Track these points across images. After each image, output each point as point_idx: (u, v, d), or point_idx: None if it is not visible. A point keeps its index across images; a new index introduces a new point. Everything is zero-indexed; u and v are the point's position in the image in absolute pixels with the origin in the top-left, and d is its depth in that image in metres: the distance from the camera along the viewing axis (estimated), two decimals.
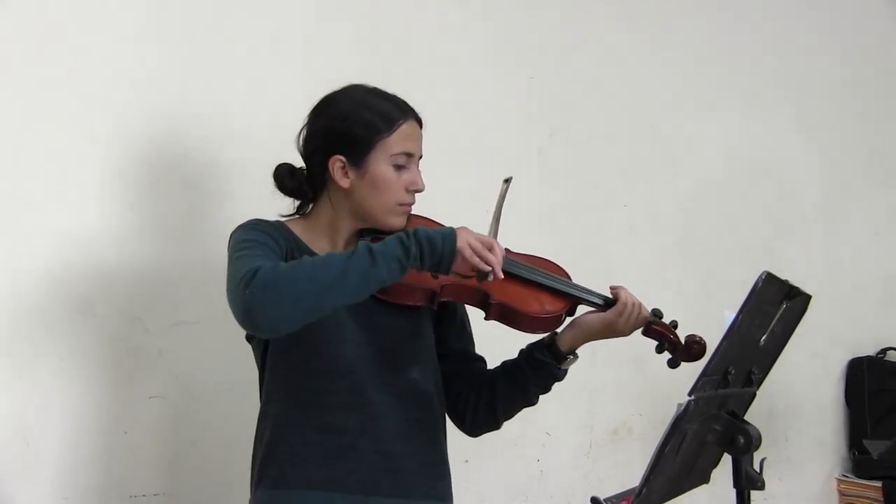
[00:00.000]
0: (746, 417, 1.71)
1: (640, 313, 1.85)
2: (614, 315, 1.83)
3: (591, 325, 1.84)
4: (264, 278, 1.53)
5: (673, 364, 1.89)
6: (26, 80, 2.06)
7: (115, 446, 2.12)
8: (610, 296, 1.86)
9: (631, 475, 1.79)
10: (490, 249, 1.62)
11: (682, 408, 1.49)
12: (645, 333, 1.89)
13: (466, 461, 2.70)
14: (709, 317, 3.07)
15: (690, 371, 1.59)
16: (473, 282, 1.70)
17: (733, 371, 1.61)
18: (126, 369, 2.07)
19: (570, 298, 1.85)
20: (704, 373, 1.54)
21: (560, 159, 2.96)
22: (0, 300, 2.01)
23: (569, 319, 1.87)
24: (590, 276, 2.97)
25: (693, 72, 3.29)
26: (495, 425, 1.91)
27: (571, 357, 1.86)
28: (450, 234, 1.61)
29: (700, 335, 1.89)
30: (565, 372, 1.87)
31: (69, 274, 2.07)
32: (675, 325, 1.91)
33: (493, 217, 1.81)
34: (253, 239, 1.67)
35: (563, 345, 1.84)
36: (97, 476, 2.11)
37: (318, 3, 2.51)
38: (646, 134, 3.16)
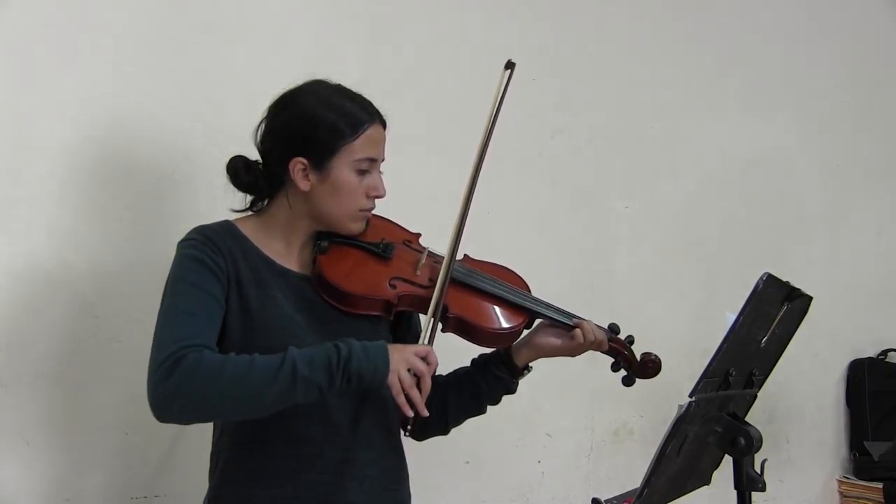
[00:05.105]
0: (747, 419, 1.71)
1: (596, 343, 1.83)
2: (571, 348, 1.83)
3: (545, 349, 1.84)
4: (181, 380, 1.51)
5: (627, 382, 1.89)
6: (27, 79, 2.06)
7: (116, 448, 2.12)
8: (571, 312, 1.84)
9: (632, 476, 1.79)
10: (420, 380, 1.60)
11: (683, 409, 1.49)
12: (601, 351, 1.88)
13: (467, 462, 2.70)
14: (709, 318, 3.12)
15: (691, 372, 1.59)
16: (430, 292, 1.69)
17: (734, 372, 1.62)
18: (126, 371, 2.07)
19: (530, 313, 1.82)
20: (705, 374, 1.54)
21: (561, 161, 2.96)
22: (0, 301, 2.01)
23: (526, 332, 1.84)
24: (591, 277, 3.00)
25: (693, 72, 3.29)
26: (443, 432, 1.90)
27: (526, 372, 1.86)
28: (382, 368, 1.57)
29: (655, 353, 1.88)
30: (517, 385, 1.86)
31: (69, 275, 2.07)
32: (630, 340, 1.89)
33: (492, 110, 1.78)
34: (186, 280, 1.63)
35: (520, 361, 1.84)
36: (98, 478, 2.11)
37: (319, 5, 2.51)
38: (646, 135, 3.16)
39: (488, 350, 1.86)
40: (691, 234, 3.24)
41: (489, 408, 1.90)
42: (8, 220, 2.02)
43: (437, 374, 1.89)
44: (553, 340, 1.83)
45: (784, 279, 1.66)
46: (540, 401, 2.81)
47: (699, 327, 3.11)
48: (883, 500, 3.30)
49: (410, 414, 1.60)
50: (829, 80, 3.63)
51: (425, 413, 1.60)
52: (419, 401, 1.60)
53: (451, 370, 1.91)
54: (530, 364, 1.85)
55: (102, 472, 2.11)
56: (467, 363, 1.90)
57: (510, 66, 1.79)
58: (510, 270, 1.89)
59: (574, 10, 3.03)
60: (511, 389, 1.86)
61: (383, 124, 1.75)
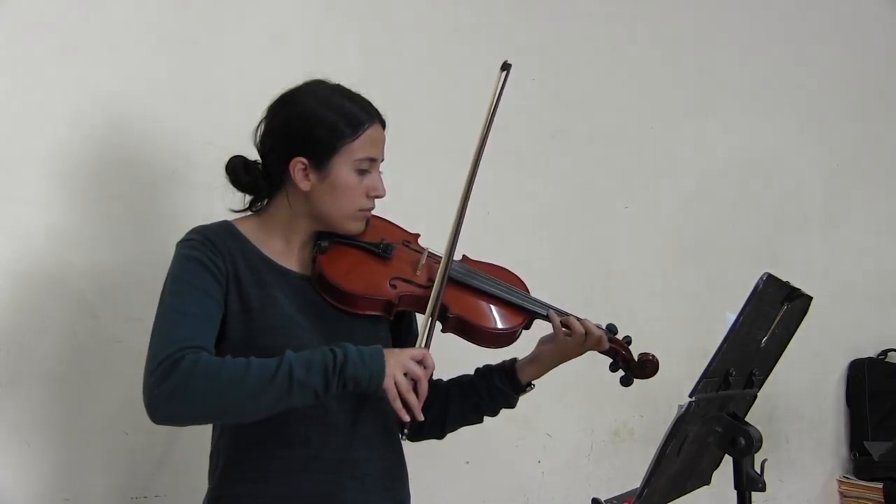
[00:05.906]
0: (747, 419, 1.71)
1: (595, 340, 1.82)
2: (567, 346, 1.83)
3: (546, 357, 1.85)
4: (177, 382, 1.50)
5: (626, 382, 1.90)
6: (26, 78, 2.06)
7: (116, 448, 2.12)
8: (568, 312, 1.85)
9: (632, 477, 1.79)
10: (416, 384, 1.60)
11: (683, 409, 1.49)
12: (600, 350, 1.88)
13: (467, 462, 2.70)
14: (709, 318, 3.12)
15: (691, 372, 1.59)
16: (430, 293, 1.70)
17: (734, 372, 1.61)
18: (126, 370, 2.07)
19: (528, 314, 1.83)
20: (705, 374, 1.54)
21: (561, 161, 2.96)
22: (0, 301, 2.01)
23: (525, 332, 1.85)
24: (590, 277, 3.00)
25: (693, 72, 3.29)
26: (439, 436, 1.91)
27: (529, 389, 1.87)
28: (378, 372, 1.56)
29: (653, 353, 1.88)
30: (517, 401, 1.88)
31: (68, 275, 2.07)
32: (628, 340, 1.89)
33: (488, 112, 1.78)
34: (185, 281, 1.62)
35: (524, 377, 1.85)
36: (98, 478, 2.10)
37: (319, 4, 2.51)
38: (646, 135, 3.16)
39: (487, 350, 1.85)
40: (691, 234, 3.24)
41: None
42: (8, 220, 2.01)
43: (438, 378, 1.90)
44: (549, 345, 1.84)
45: (784, 279, 1.66)
46: (540, 401, 2.78)
47: (699, 327, 3.11)
48: (883, 500, 3.30)
49: (407, 419, 1.60)
50: (829, 80, 3.63)
51: (421, 417, 1.61)
52: (416, 405, 1.59)
53: (450, 371, 1.91)
54: (533, 382, 1.86)
55: (102, 472, 2.11)
56: (466, 363, 1.91)
57: (506, 67, 1.79)
58: (509, 271, 1.90)
59: (574, 9, 3.03)
60: (511, 404, 1.87)
61: (383, 124, 1.75)
